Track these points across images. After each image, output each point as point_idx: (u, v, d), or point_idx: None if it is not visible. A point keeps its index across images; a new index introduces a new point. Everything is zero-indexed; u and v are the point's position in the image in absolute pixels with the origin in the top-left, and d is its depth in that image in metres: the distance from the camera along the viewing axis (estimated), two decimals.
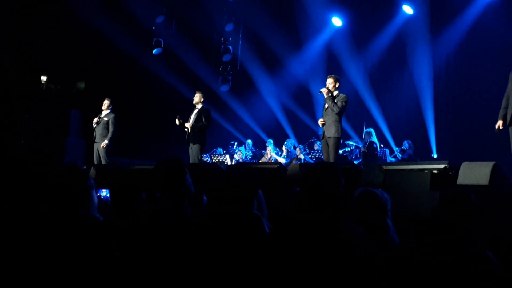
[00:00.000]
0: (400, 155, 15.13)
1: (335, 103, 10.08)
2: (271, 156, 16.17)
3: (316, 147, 16.65)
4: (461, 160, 6.95)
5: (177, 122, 12.04)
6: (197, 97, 12.07)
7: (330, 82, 10.31)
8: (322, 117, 10.30)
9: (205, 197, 4.90)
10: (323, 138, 10.23)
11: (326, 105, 10.25)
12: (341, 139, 10.43)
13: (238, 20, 19.64)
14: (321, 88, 10.40)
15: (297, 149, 16.48)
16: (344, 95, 10.28)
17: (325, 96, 10.21)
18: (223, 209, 3.64)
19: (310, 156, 16.41)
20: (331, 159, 9.89)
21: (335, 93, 10.26)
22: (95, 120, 12.82)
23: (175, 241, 3.49)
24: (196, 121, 11.80)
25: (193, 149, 11.71)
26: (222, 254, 3.42)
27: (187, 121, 11.93)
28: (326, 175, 3.22)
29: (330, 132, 10.03)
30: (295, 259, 3.07)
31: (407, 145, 15.19)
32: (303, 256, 3.06)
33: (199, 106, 12.02)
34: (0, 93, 16.12)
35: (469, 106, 16.52)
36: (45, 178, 3.31)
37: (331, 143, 10.00)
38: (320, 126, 10.40)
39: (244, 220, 3.64)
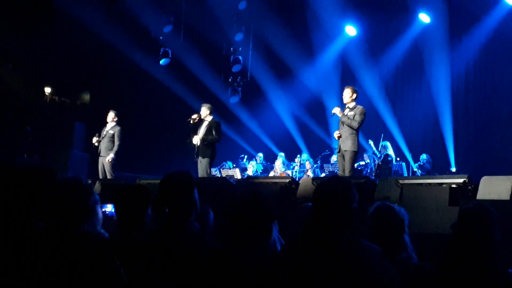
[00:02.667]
0: (420, 172, 15.03)
1: (352, 119, 10.00)
2: (280, 170, 16.15)
3: (331, 160, 16.60)
4: (481, 174, 6.92)
5: (194, 117, 11.96)
6: (204, 111, 11.99)
7: (347, 93, 10.25)
8: (338, 129, 10.24)
9: (211, 214, 4.89)
10: (339, 152, 10.17)
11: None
12: (358, 152, 10.38)
13: (248, 29, 19.68)
14: (335, 106, 10.38)
15: (307, 162, 16.43)
16: (362, 107, 10.20)
17: (340, 115, 10.15)
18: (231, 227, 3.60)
19: (322, 171, 16.35)
20: (347, 173, 9.82)
21: (352, 104, 10.19)
22: (94, 139, 12.83)
23: (183, 260, 3.47)
24: (205, 134, 11.77)
25: (202, 163, 11.70)
26: (230, 274, 3.40)
27: (196, 134, 11.91)
28: (339, 189, 3.20)
29: (347, 145, 9.96)
30: (308, 278, 3.04)
31: (425, 158, 15.13)
32: (316, 275, 3.03)
33: (209, 118, 11.97)
34: (3, 105, 16.22)
35: (489, 118, 16.45)
36: (47, 194, 3.30)
37: (347, 156, 9.93)
38: (336, 139, 10.35)
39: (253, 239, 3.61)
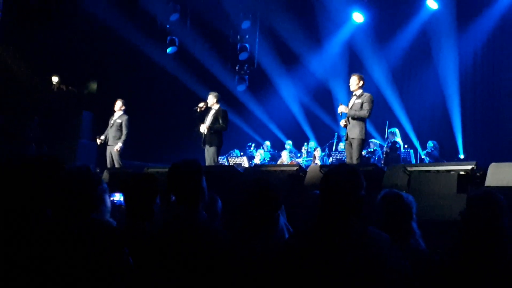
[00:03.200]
0: (428, 159, 14.99)
1: (360, 109, 9.94)
2: (286, 162, 16.13)
3: (339, 148, 16.60)
4: (489, 161, 6.92)
5: (201, 105, 11.99)
6: (211, 99, 11.99)
7: (354, 80, 10.21)
8: (345, 118, 10.22)
9: (219, 202, 4.89)
10: (346, 139, 10.15)
11: (350, 104, 10.17)
12: (365, 140, 10.36)
13: (255, 17, 19.66)
14: (339, 104, 10.31)
15: (317, 149, 16.41)
16: (369, 94, 10.14)
17: (347, 111, 10.09)
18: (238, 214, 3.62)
19: (330, 158, 16.34)
20: (354, 161, 9.79)
21: (359, 92, 10.14)
22: (98, 141, 12.89)
23: (191, 249, 3.49)
24: (212, 123, 11.77)
25: (209, 151, 11.71)
26: (239, 262, 3.41)
27: (203, 122, 11.92)
28: (346, 177, 3.20)
29: (354, 133, 9.93)
30: (317, 266, 3.05)
31: (432, 145, 15.08)
32: (325, 263, 3.04)
33: (216, 107, 11.96)
34: (10, 94, 16.26)
35: (498, 104, 16.40)
36: (56, 183, 3.32)
37: (355, 144, 9.90)
38: (342, 127, 10.34)
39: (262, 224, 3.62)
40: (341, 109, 10.16)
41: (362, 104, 9.98)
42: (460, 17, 16.84)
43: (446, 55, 17.11)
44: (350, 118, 10.00)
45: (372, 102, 10.04)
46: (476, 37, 17.00)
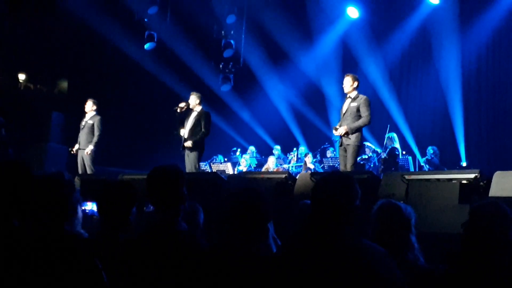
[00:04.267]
0: (427, 167, 15.02)
1: (359, 119, 9.88)
2: (272, 168, 16.08)
3: (329, 155, 16.62)
4: (493, 169, 6.94)
5: (181, 105, 11.98)
6: (193, 99, 11.94)
7: (347, 81, 10.21)
8: (339, 122, 10.19)
9: (201, 213, 4.89)
10: (341, 145, 10.15)
11: (345, 109, 10.17)
12: (361, 147, 10.37)
13: (241, 11, 19.66)
14: (334, 128, 10.17)
15: (308, 155, 16.40)
16: (365, 96, 10.12)
17: (343, 132, 10.00)
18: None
19: (322, 165, 16.35)
20: (349, 168, 9.79)
21: (353, 94, 10.13)
22: (72, 151, 12.91)
23: (169, 263, 3.48)
24: (194, 126, 11.74)
25: (190, 156, 11.68)
26: (223, 276, 3.41)
27: (183, 126, 11.89)
28: (340, 185, 3.20)
29: (350, 139, 9.94)
30: (306, 281, 3.06)
31: (431, 151, 15.11)
32: (315, 278, 3.04)
33: (198, 109, 11.93)
34: None
35: (503, 108, 16.47)
36: (23, 190, 3.30)
37: (350, 151, 9.90)
38: (335, 134, 10.28)
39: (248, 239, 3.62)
40: (339, 132, 10.02)
41: (358, 108, 9.97)
42: (463, 13, 16.91)
43: (448, 54, 17.18)
44: (346, 123, 9.96)
45: (369, 105, 10.04)
46: (480, 34, 17.05)
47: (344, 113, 10.13)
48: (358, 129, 9.90)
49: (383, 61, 18.46)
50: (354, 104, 10.02)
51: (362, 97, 10.09)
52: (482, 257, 3.37)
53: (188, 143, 11.59)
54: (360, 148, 10.26)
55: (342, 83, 10.37)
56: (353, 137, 9.88)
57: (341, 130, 9.93)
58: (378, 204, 4.00)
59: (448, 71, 17.21)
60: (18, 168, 3.42)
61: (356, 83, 10.19)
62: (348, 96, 10.20)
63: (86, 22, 16.68)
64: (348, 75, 10.35)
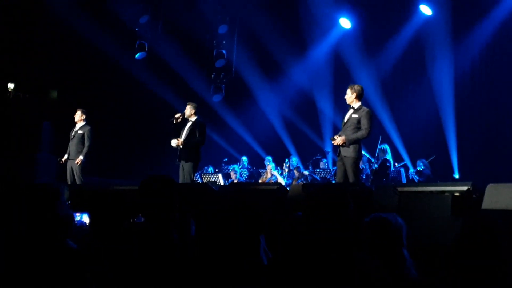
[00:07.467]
0: (417, 177, 15.06)
1: (357, 131, 9.89)
2: (271, 176, 16.06)
3: (322, 166, 16.61)
4: (486, 182, 6.95)
5: (177, 116, 12.02)
6: (188, 110, 12.06)
7: (348, 92, 10.12)
8: (340, 132, 10.18)
9: (193, 224, 4.89)
10: (338, 156, 10.14)
11: (346, 119, 10.17)
12: (360, 159, 10.32)
13: (233, 21, 19.66)
14: (332, 137, 10.15)
15: (295, 170, 16.33)
16: (368, 109, 10.15)
17: (341, 143, 9.98)
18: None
19: (311, 178, 16.31)
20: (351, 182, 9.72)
21: (356, 105, 10.09)
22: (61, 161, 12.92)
23: (160, 274, 3.48)
24: (189, 135, 11.80)
25: (185, 167, 11.71)
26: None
27: (179, 136, 11.93)
28: (332, 197, 3.21)
29: (348, 151, 9.86)
30: None
31: (422, 165, 15.14)
32: None
33: (193, 118, 12.02)
34: None
35: (496, 120, 16.52)
36: (13, 202, 3.30)
37: (348, 163, 9.84)
38: (333, 143, 10.26)
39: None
40: (337, 142, 9.96)
41: (359, 119, 9.94)
42: (456, 24, 16.95)
43: (441, 65, 17.24)
44: (345, 134, 9.94)
45: (371, 118, 10.01)
46: (473, 46, 17.13)
47: (345, 124, 10.15)
48: (356, 141, 9.91)
49: (376, 72, 18.44)
50: (356, 115, 9.99)
51: (364, 109, 10.07)
52: (475, 271, 3.38)
53: (175, 142, 11.65)
54: (359, 161, 10.18)
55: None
56: (351, 149, 9.85)
57: (339, 140, 9.93)
58: (367, 218, 4.00)
59: (440, 82, 17.26)
60: (7, 179, 3.42)
61: (355, 94, 10.12)
62: (351, 106, 10.18)
63: (76, 31, 16.65)
64: (350, 86, 10.32)
